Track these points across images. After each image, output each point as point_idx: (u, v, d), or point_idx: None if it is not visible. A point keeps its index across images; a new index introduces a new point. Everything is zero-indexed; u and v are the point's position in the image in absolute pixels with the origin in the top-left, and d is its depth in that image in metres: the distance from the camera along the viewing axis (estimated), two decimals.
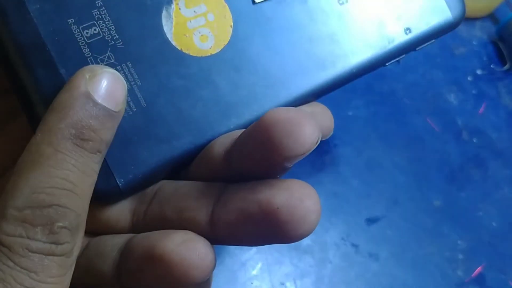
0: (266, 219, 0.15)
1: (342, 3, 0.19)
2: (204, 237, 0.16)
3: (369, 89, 0.37)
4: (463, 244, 0.32)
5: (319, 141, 0.15)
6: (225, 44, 0.18)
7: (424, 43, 0.21)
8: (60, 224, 0.14)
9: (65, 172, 0.14)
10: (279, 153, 0.14)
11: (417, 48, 0.21)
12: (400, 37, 0.20)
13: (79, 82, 0.15)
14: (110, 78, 0.15)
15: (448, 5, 0.21)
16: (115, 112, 0.15)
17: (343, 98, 0.36)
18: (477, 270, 0.31)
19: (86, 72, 0.15)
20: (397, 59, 0.21)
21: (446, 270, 0.31)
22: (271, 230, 0.15)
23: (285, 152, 0.14)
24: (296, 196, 0.14)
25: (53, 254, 0.14)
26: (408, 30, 0.20)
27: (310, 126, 0.14)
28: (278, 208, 0.14)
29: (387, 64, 0.20)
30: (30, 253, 0.13)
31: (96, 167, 0.15)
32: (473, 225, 0.33)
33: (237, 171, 0.16)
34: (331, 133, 0.20)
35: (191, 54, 0.17)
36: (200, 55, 0.18)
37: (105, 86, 0.15)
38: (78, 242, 0.15)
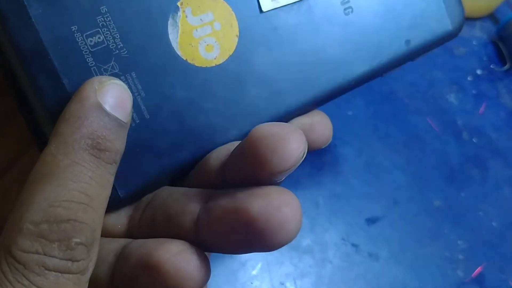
0: (244, 227, 0.14)
1: (348, 14, 0.19)
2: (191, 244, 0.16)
3: (369, 89, 0.37)
4: (463, 244, 0.32)
5: (305, 155, 0.15)
6: (230, 54, 0.17)
7: (423, 53, 0.21)
8: (77, 240, 0.14)
9: (83, 185, 0.14)
10: (265, 169, 0.14)
11: (415, 59, 0.21)
12: (400, 48, 0.20)
13: (89, 93, 0.15)
14: (118, 89, 0.15)
15: (449, 15, 0.20)
16: (125, 122, 0.15)
17: (343, 98, 0.36)
18: (477, 270, 0.31)
19: (95, 83, 0.15)
20: (395, 69, 0.21)
21: (446, 270, 0.31)
22: (250, 238, 0.14)
23: (271, 168, 0.14)
24: (274, 204, 0.14)
25: (69, 272, 0.13)
26: (408, 41, 0.20)
27: (295, 142, 0.14)
28: (255, 216, 0.14)
29: (384, 74, 0.20)
30: (46, 271, 0.13)
31: (112, 179, 0.15)
32: (473, 225, 0.33)
33: (231, 185, 0.16)
34: (329, 141, 0.20)
35: (196, 64, 0.17)
36: (204, 66, 0.17)
37: (114, 97, 0.15)
38: (93, 258, 0.14)
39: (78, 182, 0.14)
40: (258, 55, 0.18)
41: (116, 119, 0.15)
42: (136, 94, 0.16)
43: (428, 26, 0.20)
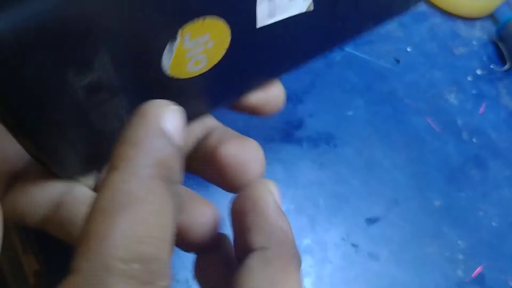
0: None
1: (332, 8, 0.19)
2: None
3: (369, 89, 0.37)
4: (463, 244, 0.32)
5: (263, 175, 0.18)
6: (215, 64, 0.17)
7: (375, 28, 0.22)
8: (163, 283, 0.12)
9: (162, 220, 0.13)
10: (228, 187, 0.18)
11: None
12: (364, 28, 0.21)
13: (153, 119, 0.13)
14: (176, 114, 0.14)
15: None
16: (182, 151, 0.14)
17: (343, 98, 0.36)
18: (477, 270, 0.31)
19: (157, 108, 0.14)
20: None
21: (446, 270, 0.31)
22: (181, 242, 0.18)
23: (233, 187, 0.18)
24: (191, 218, 0.18)
25: None
26: (372, 22, 0.21)
27: (257, 168, 0.18)
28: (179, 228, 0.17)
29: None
30: None
31: (177, 212, 0.14)
32: (473, 225, 0.33)
33: (194, 172, 0.19)
34: (280, 109, 0.21)
35: (180, 77, 0.16)
36: (187, 77, 0.17)
37: (174, 123, 0.14)
38: None
39: (159, 216, 0.13)
40: (241, 62, 0.18)
41: (179, 148, 0.14)
42: (121, 110, 0.16)
43: (391, 9, 0.22)
